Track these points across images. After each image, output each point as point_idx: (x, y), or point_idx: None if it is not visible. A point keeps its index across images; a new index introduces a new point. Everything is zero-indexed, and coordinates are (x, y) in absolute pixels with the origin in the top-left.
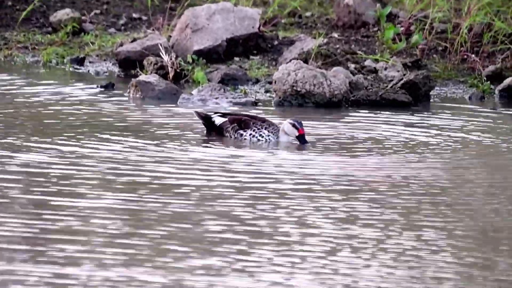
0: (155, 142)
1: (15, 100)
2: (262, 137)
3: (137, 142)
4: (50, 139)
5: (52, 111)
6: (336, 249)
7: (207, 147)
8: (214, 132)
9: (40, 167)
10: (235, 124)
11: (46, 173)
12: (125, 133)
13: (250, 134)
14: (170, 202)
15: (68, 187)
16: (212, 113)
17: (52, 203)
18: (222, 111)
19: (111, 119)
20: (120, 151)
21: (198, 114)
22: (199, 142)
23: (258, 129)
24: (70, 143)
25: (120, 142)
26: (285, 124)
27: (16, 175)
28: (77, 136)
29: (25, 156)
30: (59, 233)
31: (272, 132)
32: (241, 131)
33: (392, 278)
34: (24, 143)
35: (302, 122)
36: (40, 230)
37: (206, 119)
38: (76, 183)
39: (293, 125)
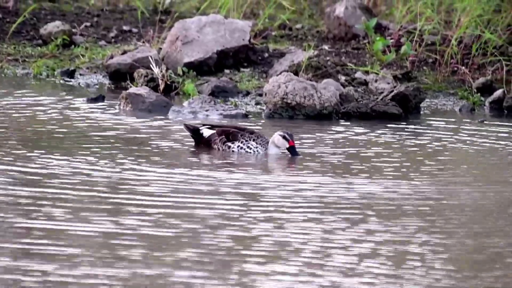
0: (144, 159)
1: (3, 112)
2: (250, 148)
3: (126, 159)
4: (36, 152)
5: (41, 124)
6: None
7: (194, 167)
8: (202, 144)
9: (17, 182)
10: (223, 136)
11: (17, 193)
12: (113, 148)
13: (238, 146)
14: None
15: (53, 207)
16: (201, 125)
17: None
18: (210, 123)
19: (101, 132)
20: (103, 168)
21: (187, 126)
22: (186, 161)
23: (246, 140)
24: (55, 157)
25: (107, 157)
26: (275, 136)
27: None
28: (63, 150)
29: (6, 168)
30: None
31: (260, 143)
32: (229, 143)
33: None
34: (6, 157)
35: (293, 134)
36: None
37: (195, 132)
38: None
39: (283, 137)
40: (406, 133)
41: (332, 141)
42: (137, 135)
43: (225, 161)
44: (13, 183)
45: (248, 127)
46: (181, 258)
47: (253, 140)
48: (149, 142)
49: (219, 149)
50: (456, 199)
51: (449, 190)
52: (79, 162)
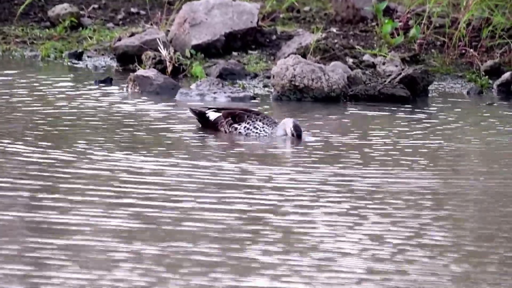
0: (151, 149)
1: (10, 94)
2: (257, 129)
3: (133, 148)
4: (43, 140)
5: (49, 107)
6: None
7: (202, 157)
8: (209, 127)
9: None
10: (229, 118)
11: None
12: (120, 132)
13: (245, 127)
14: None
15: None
16: (206, 109)
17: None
18: (216, 107)
19: (108, 115)
20: (112, 157)
21: (193, 110)
22: (192, 151)
23: (253, 121)
24: (62, 144)
25: (113, 142)
26: (288, 123)
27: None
28: (70, 134)
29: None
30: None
31: (267, 124)
32: (235, 125)
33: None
34: (15, 143)
35: (301, 132)
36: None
37: (201, 115)
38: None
39: (294, 131)
40: (414, 116)
41: (340, 124)
42: (144, 118)
43: (231, 150)
44: (19, 167)
45: (254, 109)
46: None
47: (260, 120)
48: (155, 125)
49: (225, 131)
50: (464, 186)
51: (457, 179)
52: (85, 147)
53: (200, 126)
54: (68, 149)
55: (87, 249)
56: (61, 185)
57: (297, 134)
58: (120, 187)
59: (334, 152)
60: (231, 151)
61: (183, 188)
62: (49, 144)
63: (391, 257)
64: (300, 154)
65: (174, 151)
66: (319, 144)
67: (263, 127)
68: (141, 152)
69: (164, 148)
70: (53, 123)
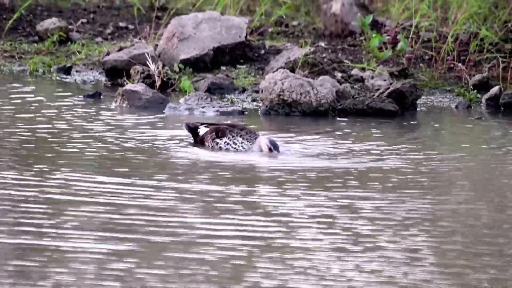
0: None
1: None
2: (236, 144)
3: (122, 171)
4: (29, 160)
5: (36, 121)
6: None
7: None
8: (198, 142)
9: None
10: (213, 133)
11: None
12: (106, 149)
13: (225, 142)
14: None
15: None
16: (199, 124)
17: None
18: (210, 122)
19: (97, 129)
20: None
21: (187, 125)
22: (181, 175)
23: (233, 136)
24: (46, 161)
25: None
26: (262, 141)
27: None
28: (58, 152)
29: None
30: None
31: (247, 139)
32: (217, 140)
33: None
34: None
35: (278, 146)
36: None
37: (193, 130)
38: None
39: (270, 149)
40: (402, 130)
41: (328, 138)
42: (132, 133)
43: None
44: (10, 184)
45: (244, 124)
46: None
47: (240, 136)
48: (142, 141)
49: (209, 146)
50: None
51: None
52: (73, 169)
53: (193, 141)
54: (51, 167)
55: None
56: (46, 208)
57: (274, 146)
58: (102, 210)
59: (318, 169)
60: (210, 170)
61: (171, 210)
62: (31, 161)
63: None
64: (284, 175)
65: (159, 172)
66: (303, 163)
67: (242, 143)
68: (127, 172)
69: (150, 170)
70: (39, 139)
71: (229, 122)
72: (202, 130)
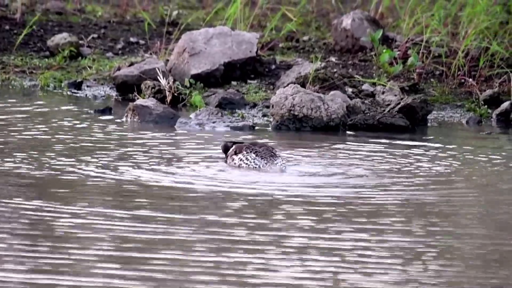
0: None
1: (9, 124)
2: (248, 160)
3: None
4: (43, 161)
5: (45, 136)
6: None
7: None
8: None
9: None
10: (233, 150)
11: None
12: (119, 159)
13: (239, 158)
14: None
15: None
16: (231, 143)
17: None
18: (239, 141)
19: (107, 145)
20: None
21: (225, 145)
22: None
23: (247, 152)
24: (59, 166)
25: (115, 168)
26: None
27: None
28: (69, 160)
29: None
30: None
31: (261, 156)
32: (234, 156)
33: None
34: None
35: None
36: None
37: (226, 149)
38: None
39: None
40: (413, 146)
41: (338, 154)
42: (143, 148)
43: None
44: (17, 194)
45: (269, 143)
46: None
47: (255, 152)
48: (152, 157)
49: (227, 162)
50: (462, 209)
51: (457, 200)
52: (84, 174)
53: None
54: (62, 172)
55: None
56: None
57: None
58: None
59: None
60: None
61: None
62: (44, 168)
63: None
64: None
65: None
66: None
67: (254, 159)
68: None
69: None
70: (50, 151)
71: (261, 142)
72: (231, 148)
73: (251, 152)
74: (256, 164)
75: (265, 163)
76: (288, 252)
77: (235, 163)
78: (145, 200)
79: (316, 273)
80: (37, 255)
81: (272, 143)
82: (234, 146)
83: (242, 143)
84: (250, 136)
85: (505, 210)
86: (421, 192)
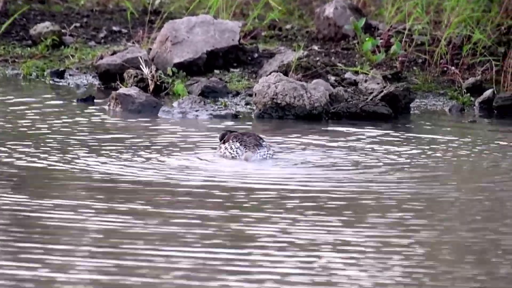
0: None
1: None
2: (232, 149)
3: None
4: (24, 152)
5: (27, 126)
6: None
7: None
8: None
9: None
10: (224, 139)
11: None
12: (102, 149)
13: (225, 147)
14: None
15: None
16: (228, 132)
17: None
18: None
19: (90, 133)
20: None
21: (223, 135)
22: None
23: (233, 141)
24: (41, 158)
25: (97, 157)
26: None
27: None
28: (51, 151)
29: None
30: None
31: (244, 145)
32: (222, 145)
33: None
34: None
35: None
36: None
37: (223, 137)
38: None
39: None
40: (396, 133)
41: (321, 141)
42: (126, 136)
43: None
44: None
45: (258, 134)
46: None
47: (240, 141)
48: (137, 143)
49: (218, 151)
50: (442, 199)
51: (438, 190)
52: (68, 163)
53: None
54: (45, 164)
55: None
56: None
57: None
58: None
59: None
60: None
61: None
62: (26, 159)
63: None
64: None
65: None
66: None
67: (237, 148)
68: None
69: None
70: (32, 140)
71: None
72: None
73: (236, 141)
74: (237, 153)
75: (244, 153)
76: (269, 247)
77: (221, 152)
78: (128, 192)
79: (303, 269)
80: (21, 250)
81: (254, 132)
82: (227, 135)
83: (242, 133)
84: (231, 123)
85: (486, 196)
86: (405, 182)
